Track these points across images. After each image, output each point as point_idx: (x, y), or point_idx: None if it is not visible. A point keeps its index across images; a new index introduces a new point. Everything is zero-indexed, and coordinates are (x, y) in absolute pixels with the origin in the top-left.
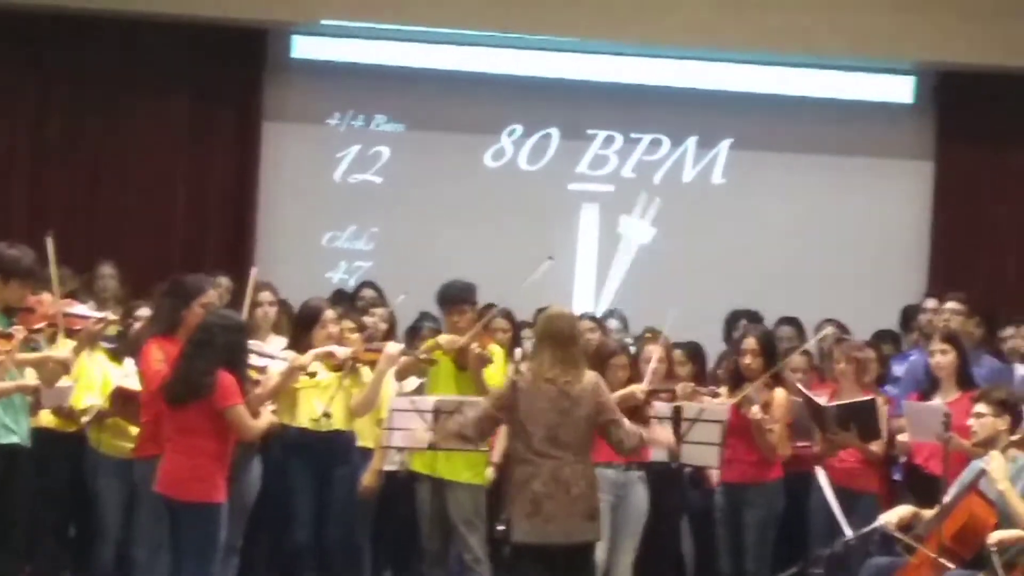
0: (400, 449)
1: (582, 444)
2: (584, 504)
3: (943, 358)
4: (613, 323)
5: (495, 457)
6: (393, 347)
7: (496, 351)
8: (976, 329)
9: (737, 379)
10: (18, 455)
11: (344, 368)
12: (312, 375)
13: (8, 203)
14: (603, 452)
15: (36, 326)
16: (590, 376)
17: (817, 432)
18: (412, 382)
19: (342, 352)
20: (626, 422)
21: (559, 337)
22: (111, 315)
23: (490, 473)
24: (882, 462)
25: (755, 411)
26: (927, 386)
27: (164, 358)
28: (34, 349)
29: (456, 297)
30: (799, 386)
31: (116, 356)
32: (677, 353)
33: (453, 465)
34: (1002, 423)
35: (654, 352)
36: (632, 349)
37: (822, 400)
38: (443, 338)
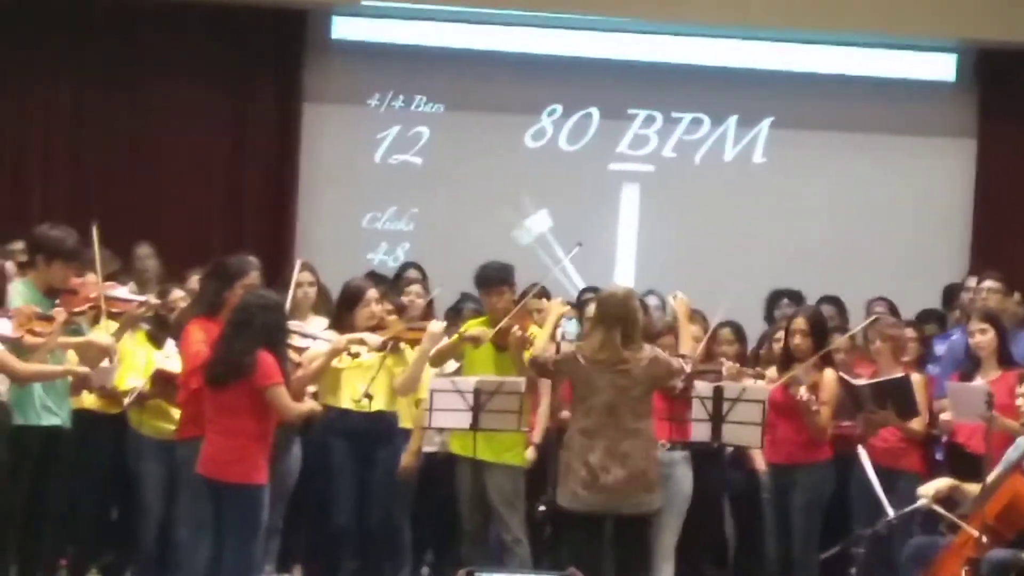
0: (440, 430)
1: (641, 418)
2: (641, 476)
3: (983, 337)
4: (652, 300)
5: (535, 438)
6: (436, 325)
7: (536, 332)
8: (1018, 307)
9: (787, 359)
10: (60, 437)
11: (386, 348)
12: (355, 355)
13: (49, 184)
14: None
15: (78, 308)
16: (646, 352)
17: (857, 414)
18: (453, 363)
19: (373, 340)
20: (676, 362)
21: (609, 317)
22: (152, 298)
23: (530, 454)
24: (924, 440)
25: (803, 392)
26: (968, 366)
27: (205, 339)
28: (76, 331)
29: (494, 278)
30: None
31: (153, 339)
32: (725, 332)
33: (492, 446)
34: None
35: (694, 332)
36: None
37: (857, 380)
38: (473, 329)
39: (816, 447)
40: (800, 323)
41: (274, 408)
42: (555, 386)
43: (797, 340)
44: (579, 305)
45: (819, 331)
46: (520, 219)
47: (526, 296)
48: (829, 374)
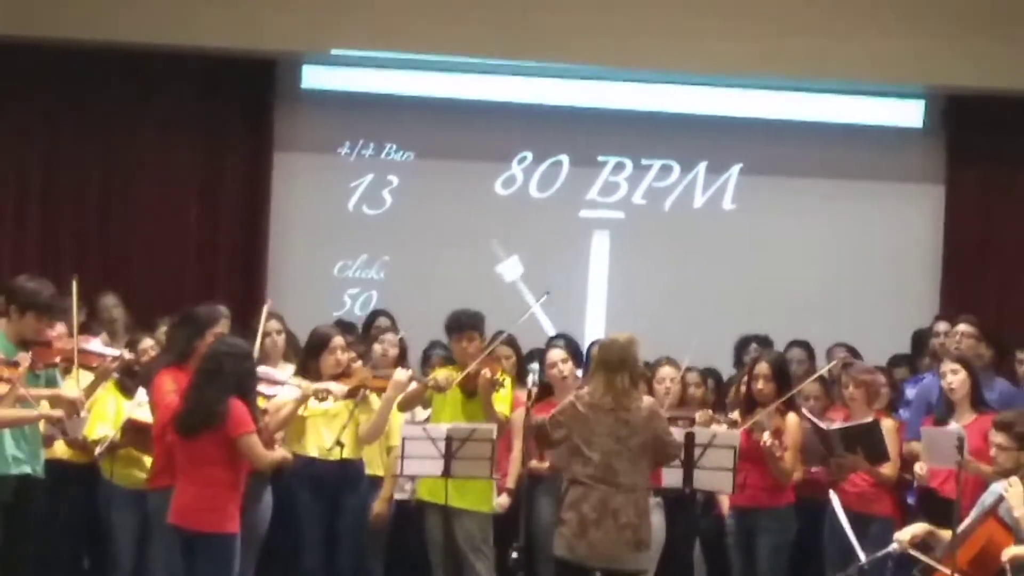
0: (411, 477)
1: (637, 473)
2: (631, 534)
3: (955, 378)
4: None
5: (509, 483)
6: (401, 373)
7: (505, 377)
8: (986, 351)
9: (749, 404)
10: (32, 486)
11: (355, 396)
12: (323, 399)
13: (21, 234)
14: None
15: (50, 361)
16: (647, 403)
17: (829, 458)
18: (421, 411)
19: (338, 389)
20: (675, 440)
21: (609, 363)
22: (126, 353)
23: (504, 500)
24: (895, 486)
25: (766, 437)
26: (942, 410)
27: (176, 388)
28: (50, 380)
29: (464, 324)
30: (804, 411)
31: (122, 388)
32: (693, 376)
33: (461, 493)
34: None
35: (669, 374)
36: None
37: (826, 424)
38: (441, 374)
39: (780, 491)
40: (763, 368)
41: (247, 457)
42: (550, 442)
43: (760, 385)
44: (542, 352)
45: (782, 376)
46: (491, 266)
47: (494, 342)
48: (792, 419)
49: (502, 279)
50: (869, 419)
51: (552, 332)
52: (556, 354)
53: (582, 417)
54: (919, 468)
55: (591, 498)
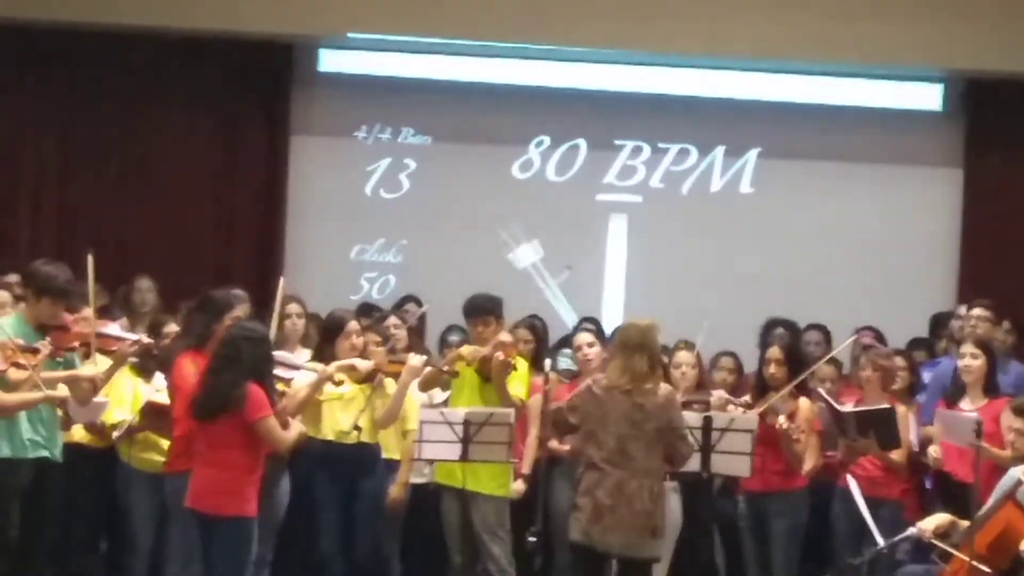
0: (429, 461)
1: (651, 458)
2: (646, 519)
3: (973, 362)
4: None
5: (524, 469)
6: (415, 359)
7: (520, 361)
8: (1006, 336)
9: (762, 388)
10: (49, 470)
11: (372, 377)
12: (339, 383)
13: (38, 219)
14: None
15: (68, 345)
16: (665, 389)
17: (839, 440)
18: (440, 394)
19: (363, 365)
20: (688, 438)
21: (627, 346)
22: (144, 337)
23: (519, 485)
24: (904, 470)
25: (781, 420)
26: (953, 391)
27: (196, 372)
28: (68, 365)
29: (481, 308)
30: (821, 391)
31: (141, 371)
32: (726, 361)
33: (477, 477)
34: None
35: (685, 359)
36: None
37: (843, 406)
38: (465, 349)
39: (793, 475)
40: (775, 352)
41: (266, 440)
42: (568, 428)
43: (772, 369)
44: (572, 335)
45: (794, 360)
46: (511, 247)
47: (517, 326)
48: (804, 403)
49: (519, 262)
50: (885, 405)
51: (568, 317)
52: (583, 337)
53: (598, 400)
54: (933, 451)
55: (606, 484)
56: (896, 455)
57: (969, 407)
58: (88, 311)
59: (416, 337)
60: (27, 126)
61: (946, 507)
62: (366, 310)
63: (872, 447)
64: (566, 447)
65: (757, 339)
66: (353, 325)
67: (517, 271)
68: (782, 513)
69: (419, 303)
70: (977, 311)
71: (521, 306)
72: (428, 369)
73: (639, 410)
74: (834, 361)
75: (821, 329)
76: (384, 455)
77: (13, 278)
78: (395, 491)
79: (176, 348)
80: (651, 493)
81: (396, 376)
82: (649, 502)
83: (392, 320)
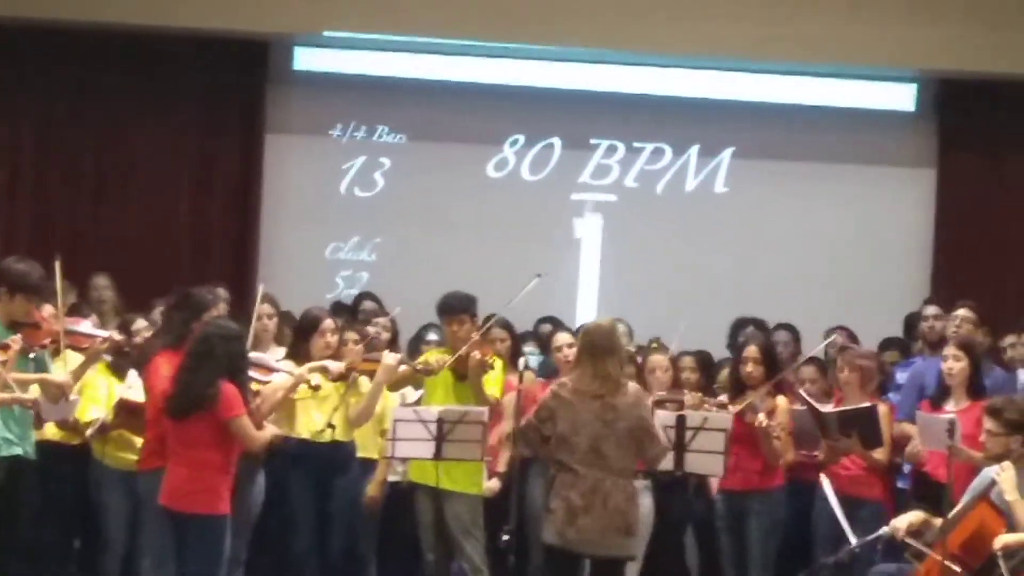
0: (403, 460)
1: (624, 457)
2: (620, 519)
3: (956, 364)
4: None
5: (499, 466)
6: (390, 357)
7: (496, 360)
8: (984, 338)
9: (738, 387)
10: (23, 467)
11: (345, 379)
12: (316, 388)
13: (13, 215)
14: None
15: (39, 342)
16: (633, 388)
17: (818, 439)
18: (413, 393)
19: (335, 367)
20: (660, 435)
21: (596, 349)
22: (115, 334)
23: (494, 484)
24: (886, 470)
25: (761, 419)
26: (937, 394)
27: (171, 372)
28: (39, 362)
29: (456, 307)
30: (802, 392)
31: (115, 371)
32: (687, 360)
33: (451, 475)
34: (1014, 442)
35: (659, 362)
36: (637, 359)
37: (825, 407)
38: (433, 356)
39: (770, 474)
40: (752, 351)
41: (239, 439)
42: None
43: (749, 368)
44: (538, 336)
45: (770, 359)
46: (482, 248)
47: (486, 325)
48: (782, 401)
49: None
50: (866, 404)
51: (542, 315)
52: (563, 338)
53: (567, 403)
54: (912, 447)
55: (580, 485)
56: (878, 454)
57: (953, 409)
58: (48, 308)
59: (391, 341)
60: (1, 125)
61: (922, 507)
62: (339, 310)
63: (855, 446)
64: None
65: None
66: (328, 323)
67: (490, 269)
68: (760, 512)
69: (377, 301)
70: (962, 312)
71: (494, 304)
72: (401, 368)
73: (611, 410)
74: (817, 362)
75: (790, 329)
76: (360, 454)
77: None
78: (372, 490)
79: (154, 346)
80: (625, 492)
81: (371, 374)
82: (623, 501)
83: (383, 321)
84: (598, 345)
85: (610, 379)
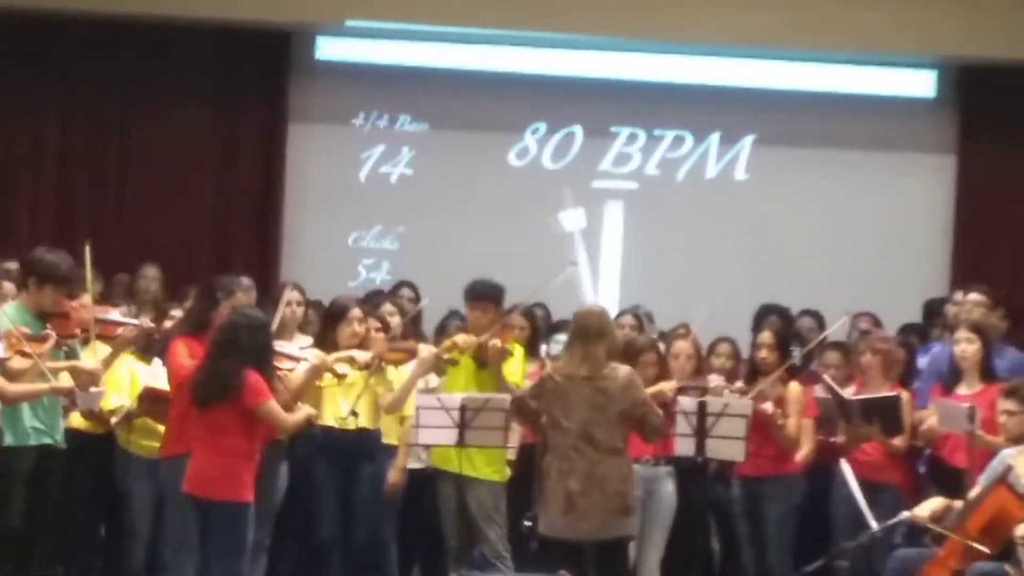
0: (426, 446)
1: (618, 439)
2: (619, 500)
3: (968, 347)
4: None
5: (510, 454)
6: (426, 350)
7: (516, 347)
8: (1001, 322)
9: (753, 373)
10: (52, 456)
11: (370, 367)
12: (341, 377)
13: (36, 207)
14: (631, 448)
15: (69, 332)
16: (623, 371)
17: (840, 425)
18: (434, 379)
19: (362, 357)
20: (656, 409)
21: (587, 334)
22: (146, 321)
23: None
24: (906, 454)
25: (767, 406)
26: (950, 377)
27: (188, 353)
28: (69, 353)
29: (481, 294)
30: (826, 378)
31: (144, 355)
32: (724, 347)
33: (473, 462)
34: None
35: (683, 348)
36: (660, 345)
37: (847, 393)
38: (460, 338)
39: (785, 459)
40: (766, 337)
41: (269, 424)
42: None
43: (763, 354)
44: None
45: (784, 345)
46: (504, 236)
47: (511, 312)
48: (794, 387)
49: (561, 226)
50: (892, 393)
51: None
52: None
53: (559, 388)
54: (926, 426)
55: (575, 471)
56: (897, 440)
57: (966, 392)
58: (87, 298)
59: (413, 328)
60: (26, 114)
61: (941, 492)
62: (371, 297)
63: (875, 434)
64: None
65: (751, 325)
66: (355, 312)
67: (513, 257)
68: (776, 497)
69: (414, 288)
70: (973, 296)
71: (516, 292)
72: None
73: (601, 394)
74: (841, 346)
75: (814, 315)
76: (383, 440)
77: (13, 266)
78: (393, 476)
79: (174, 332)
80: (620, 473)
81: (395, 363)
82: (619, 482)
83: (387, 307)
84: (589, 329)
85: (599, 362)
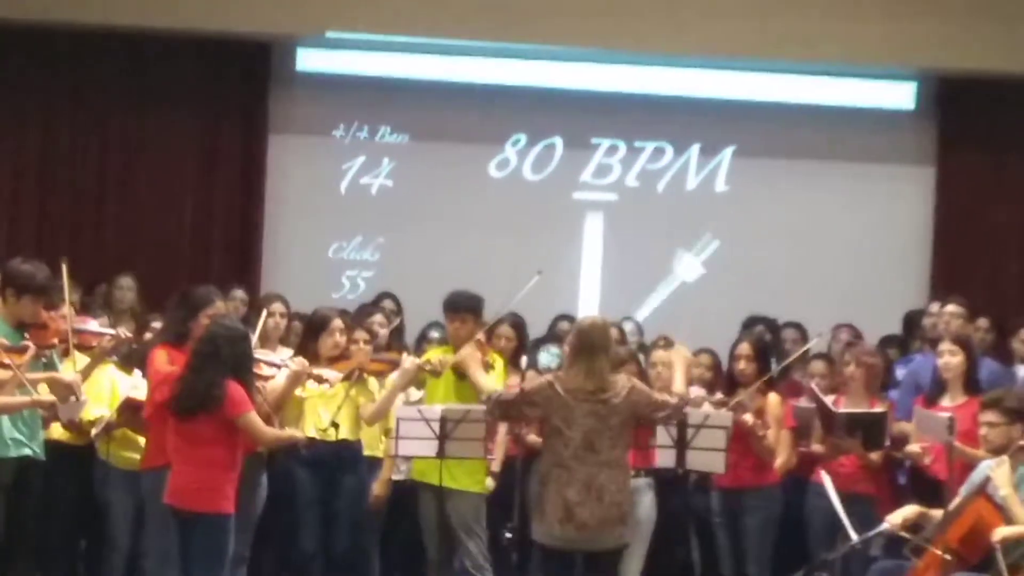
0: (407, 458)
1: (618, 449)
2: (616, 510)
3: (952, 359)
4: (628, 326)
5: (495, 466)
6: (409, 361)
7: (496, 358)
8: (986, 335)
9: (731, 384)
10: (31, 467)
11: (351, 378)
12: (323, 382)
13: (17, 217)
14: None
15: (47, 342)
16: (624, 381)
17: (818, 435)
18: (415, 392)
19: (333, 377)
20: (663, 397)
21: (592, 348)
22: (124, 332)
23: (490, 482)
24: (885, 464)
25: (747, 417)
26: (933, 389)
27: (169, 360)
28: (48, 364)
29: (460, 305)
30: (814, 388)
31: (125, 366)
32: (704, 358)
33: (452, 473)
34: (1016, 431)
35: (662, 358)
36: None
37: (834, 405)
38: (434, 355)
39: (765, 470)
40: (744, 348)
41: (248, 435)
42: (520, 420)
43: (741, 365)
44: (556, 335)
45: (763, 356)
46: (484, 247)
47: (496, 324)
48: (773, 398)
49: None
50: (880, 409)
51: (546, 313)
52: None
53: (561, 400)
54: (911, 447)
55: (574, 481)
56: (874, 455)
57: (949, 404)
58: (65, 308)
59: (395, 339)
60: (6, 123)
61: (920, 503)
62: (363, 310)
63: (856, 447)
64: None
65: (735, 336)
66: (337, 323)
67: (493, 268)
68: (755, 508)
69: (395, 300)
70: (950, 308)
71: (496, 304)
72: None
73: (604, 406)
74: (826, 356)
75: (797, 327)
76: (366, 452)
77: None
78: (377, 489)
79: (154, 343)
80: (617, 484)
81: (377, 374)
82: (617, 493)
83: (377, 318)
84: (595, 344)
85: (603, 376)
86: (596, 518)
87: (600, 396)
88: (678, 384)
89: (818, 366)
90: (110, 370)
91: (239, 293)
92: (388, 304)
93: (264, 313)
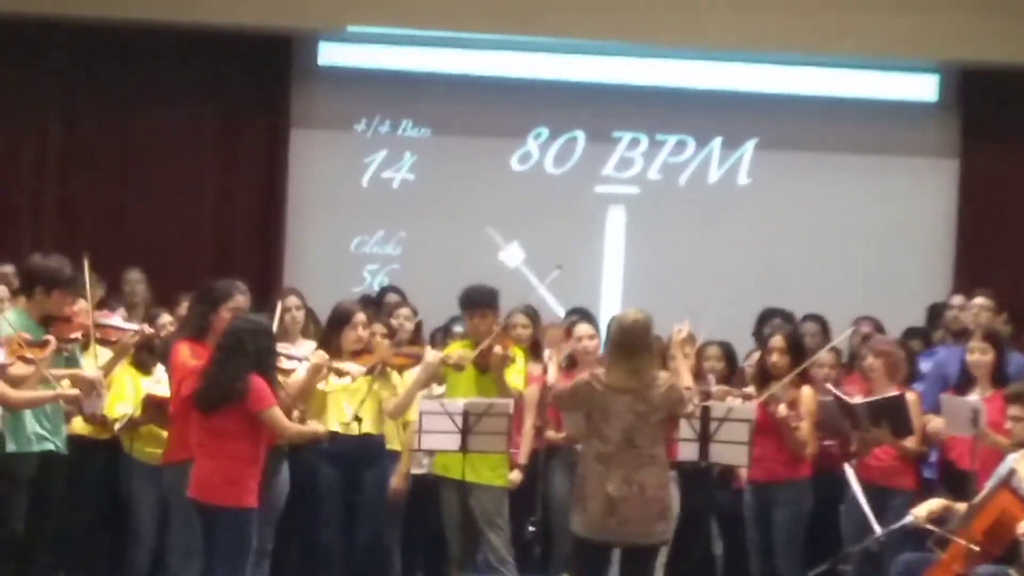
0: (429, 452)
1: (656, 444)
2: (658, 505)
3: (982, 357)
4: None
5: (521, 459)
6: (432, 355)
7: (517, 352)
8: (1004, 326)
9: (764, 377)
10: (54, 462)
11: (373, 372)
12: (344, 375)
13: (39, 212)
14: None
15: (70, 335)
16: (663, 378)
17: (848, 430)
18: (437, 386)
19: (356, 370)
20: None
21: (634, 346)
22: (146, 328)
23: (515, 476)
24: (918, 458)
25: (781, 409)
26: (961, 382)
27: (191, 357)
28: (70, 358)
29: (478, 301)
30: (828, 385)
31: (139, 367)
32: (713, 350)
33: (476, 467)
34: None
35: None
36: None
37: (852, 398)
38: (455, 350)
39: (796, 464)
40: (777, 341)
41: (271, 429)
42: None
43: (775, 358)
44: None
45: (796, 349)
46: (500, 248)
47: (509, 319)
48: (807, 391)
49: (505, 266)
50: (894, 392)
51: (560, 309)
52: (583, 329)
53: (600, 396)
54: (933, 426)
55: (614, 477)
56: (910, 442)
57: (978, 398)
58: (82, 302)
59: (415, 334)
60: (27, 119)
61: (950, 496)
62: (366, 303)
63: (885, 436)
64: (562, 435)
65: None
66: (360, 317)
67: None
68: (786, 502)
69: (400, 294)
70: (979, 300)
71: (520, 298)
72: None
73: (643, 402)
74: (833, 349)
75: (818, 320)
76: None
77: (9, 269)
78: (396, 482)
79: (175, 338)
80: (659, 480)
81: (400, 368)
82: (658, 488)
83: (404, 311)
84: (635, 342)
85: (645, 374)
86: (639, 513)
87: (642, 393)
88: (686, 379)
89: (825, 357)
90: (130, 369)
91: (241, 286)
92: (392, 298)
93: (279, 307)
